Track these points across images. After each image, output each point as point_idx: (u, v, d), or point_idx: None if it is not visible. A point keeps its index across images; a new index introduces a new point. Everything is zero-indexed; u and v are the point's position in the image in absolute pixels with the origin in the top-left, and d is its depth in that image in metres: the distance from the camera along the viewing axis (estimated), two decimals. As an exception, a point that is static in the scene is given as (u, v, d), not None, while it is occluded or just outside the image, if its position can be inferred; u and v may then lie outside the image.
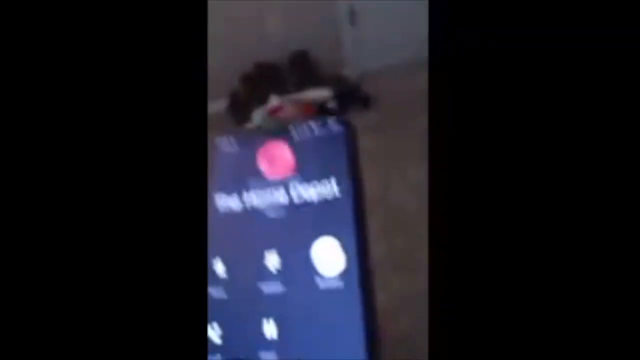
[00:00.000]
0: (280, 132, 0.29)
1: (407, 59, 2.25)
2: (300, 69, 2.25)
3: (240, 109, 2.16)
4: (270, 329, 0.24)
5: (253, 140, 0.30)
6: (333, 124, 0.29)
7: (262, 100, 2.12)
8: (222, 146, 0.31)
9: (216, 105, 2.25)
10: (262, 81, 2.21)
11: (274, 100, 2.09)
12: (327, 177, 0.27)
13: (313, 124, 0.29)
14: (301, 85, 2.18)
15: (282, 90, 2.17)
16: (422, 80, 2.20)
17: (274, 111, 2.04)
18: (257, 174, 0.29)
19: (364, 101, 2.12)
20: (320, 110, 2.02)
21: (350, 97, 2.12)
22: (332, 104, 2.04)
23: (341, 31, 2.31)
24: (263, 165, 0.29)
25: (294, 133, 0.29)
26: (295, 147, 0.29)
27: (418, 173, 1.60)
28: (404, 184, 1.56)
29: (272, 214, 0.27)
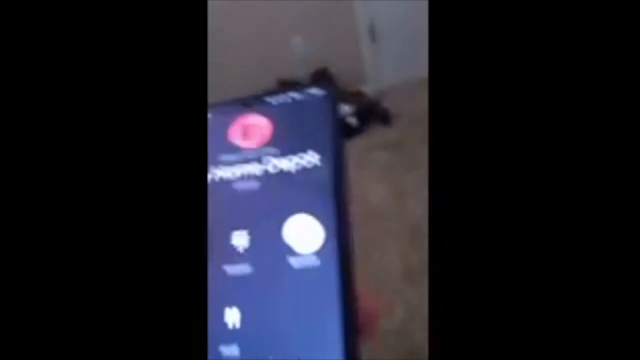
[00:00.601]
0: (257, 102, 0.26)
1: (426, 74, 2.26)
2: (321, 86, 2.28)
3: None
4: (233, 317, 0.21)
5: (227, 112, 0.27)
6: (314, 90, 0.26)
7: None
8: None
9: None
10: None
11: (295, 117, 2.13)
12: (306, 146, 0.25)
13: (293, 92, 0.27)
14: (322, 102, 2.22)
15: (303, 107, 2.20)
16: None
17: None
18: (229, 148, 0.26)
19: (383, 117, 2.15)
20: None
21: (370, 113, 2.15)
22: (352, 120, 2.07)
23: (361, 47, 2.35)
24: (236, 138, 0.26)
25: (271, 101, 0.27)
26: (272, 116, 0.26)
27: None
28: (422, 199, 1.57)
29: (242, 186, 0.24)
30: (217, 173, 0.25)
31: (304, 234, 0.22)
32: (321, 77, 2.29)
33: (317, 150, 0.24)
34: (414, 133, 2.01)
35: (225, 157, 0.25)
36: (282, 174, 0.24)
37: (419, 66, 2.41)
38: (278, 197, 0.24)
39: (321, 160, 0.24)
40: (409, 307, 1.20)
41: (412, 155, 1.85)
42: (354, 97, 2.24)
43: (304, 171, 0.24)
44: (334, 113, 0.26)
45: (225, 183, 0.25)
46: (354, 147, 1.99)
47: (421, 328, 1.15)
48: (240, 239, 0.23)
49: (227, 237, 0.23)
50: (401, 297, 1.23)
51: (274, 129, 0.26)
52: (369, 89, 2.37)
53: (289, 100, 0.26)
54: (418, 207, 1.54)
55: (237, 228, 0.23)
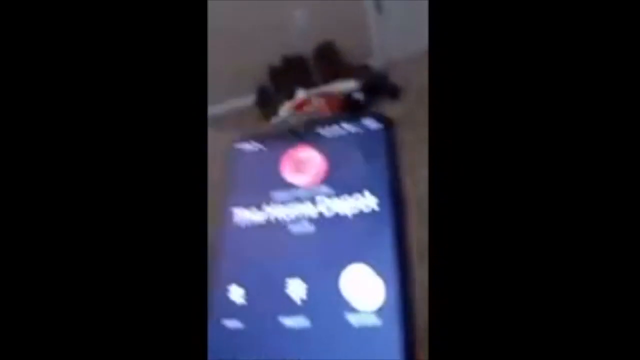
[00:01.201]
0: (308, 132, 0.24)
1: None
2: (326, 61, 2.24)
3: (267, 103, 2.18)
4: None
5: (278, 143, 0.25)
6: (369, 122, 0.24)
7: (289, 94, 2.13)
8: (243, 150, 0.26)
9: (245, 100, 2.27)
10: (289, 74, 2.21)
11: (300, 94, 2.10)
12: (363, 186, 0.23)
13: (345, 123, 0.25)
14: (328, 78, 2.18)
15: (308, 84, 2.17)
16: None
17: (301, 105, 2.05)
18: (281, 183, 0.24)
19: (391, 92, 2.10)
20: (347, 102, 2.02)
21: (378, 88, 2.10)
22: (359, 95, 2.03)
23: (367, 20, 2.29)
24: (288, 173, 0.24)
25: (324, 133, 0.25)
26: (326, 151, 0.24)
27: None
28: (432, 175, 1.55)
29: (297, 229, 0.23)
30: (270, 212, 0.24)
31: (363, 288, 0.21)
32: (327, 51, 2.25)
33: (374, 192, 0.23)
34: (423, 107, 1.96)
35: (277, 195, 0.24)
36: (339, 218, 0.23)
37: (426, 37, 2.35)
38: (334, 243, 0.22)
39: (379, 204, 0.23)
40: (421, 285, 1.19)
41: (421, 129, 1.81)
42: (361, 71, 2.19)
43: (361, 216, 0.22)
44: (392, 149, 0.24)
45: (278, 224, 0.23)
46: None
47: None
48: (295, 288, 0.21)
49: (282, 285, 0.22)
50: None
51: (328, 165, 0.24)
52: (375, 63, 2.32)
53: (344, 134, 0.25)
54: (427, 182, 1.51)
55: (292, 275, 0.22)
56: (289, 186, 0.24)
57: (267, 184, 0.24)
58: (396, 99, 2.09)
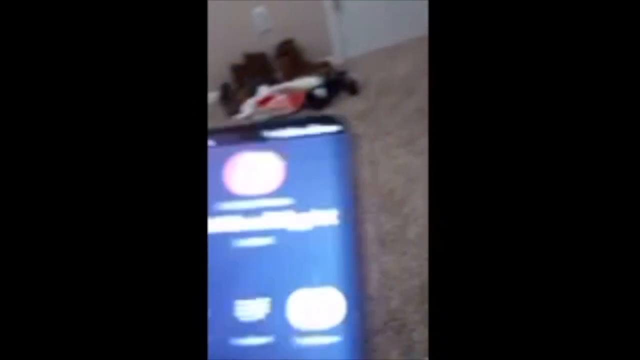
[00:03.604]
0: (264, 136, 0.22)
1: (392, 43, 2.28)
2: (287, 58, 2.27)
3: (230, 100, 2.19)
4: None
5: (222, 148, 0.22)
6: (332, 133, 0.22)
7: (252, 91, 2.16)
8: None
9: (208, 97, 2.27)
10: (251, 72, 2.23)
11: (263, 91, 2.13)
12: (322, 199, 0.21)
13: (302, 126, 0.22)
14: (289, 75, 2.21)
15: (271, 80, 2.20)
16: (405, 64, 2.23)
17: (264, 101, 2.08)
18: (226, 192, 0.22)
19: (351, 87, 2.16)
20: (309, 98, 2.06)
21: (338, 84, 2.15)
22: (320, 92, 2.07)
23: (326, 17, 2.33)
24: (236, 181, 0.22)
25: (281, 135, 0.22)
26: (282, 156, 0.22)
27: (404, 154, 1.65)
28: (391, 166, 1.61)
29: (247, 244, 0.21)
30: (215, 224, 0.21)
31: (317, 307, 0.20)
32: (287, 48, 2.28)
33: (334, 205, 0.21)
34: (382, 102, 2.03)
35: (222, 205, 0.21)
36: (294, 233, 0.21)
37: (384, 35, 2.44)
38: (288, 260, 0.20)
39: (339, 218, 0.21)
40: (384, 272, 1.25)
41: (380, 124, 1.87)
42: (321, 68, 2.23)
43: (319, 231, 0.21)
44: (351, 158, 0.22)
45: (225, 238, 0.21)
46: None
47: (397, 292, 1.20)
48: (245, 308, 0.20)
49: (231, 306, 0.20)
50: (376, 263, 1.27)
51: (284, 173, 0.22)
52: (335, 60, 2.37)
53: (301, 137, 0.22)
54: (388, 173, 1.57)
55: (242, 296, 0.20)
56: (234, 196, 0.22)
57: (210, 195, 0.21)
58: (356, 94, 2.15)
